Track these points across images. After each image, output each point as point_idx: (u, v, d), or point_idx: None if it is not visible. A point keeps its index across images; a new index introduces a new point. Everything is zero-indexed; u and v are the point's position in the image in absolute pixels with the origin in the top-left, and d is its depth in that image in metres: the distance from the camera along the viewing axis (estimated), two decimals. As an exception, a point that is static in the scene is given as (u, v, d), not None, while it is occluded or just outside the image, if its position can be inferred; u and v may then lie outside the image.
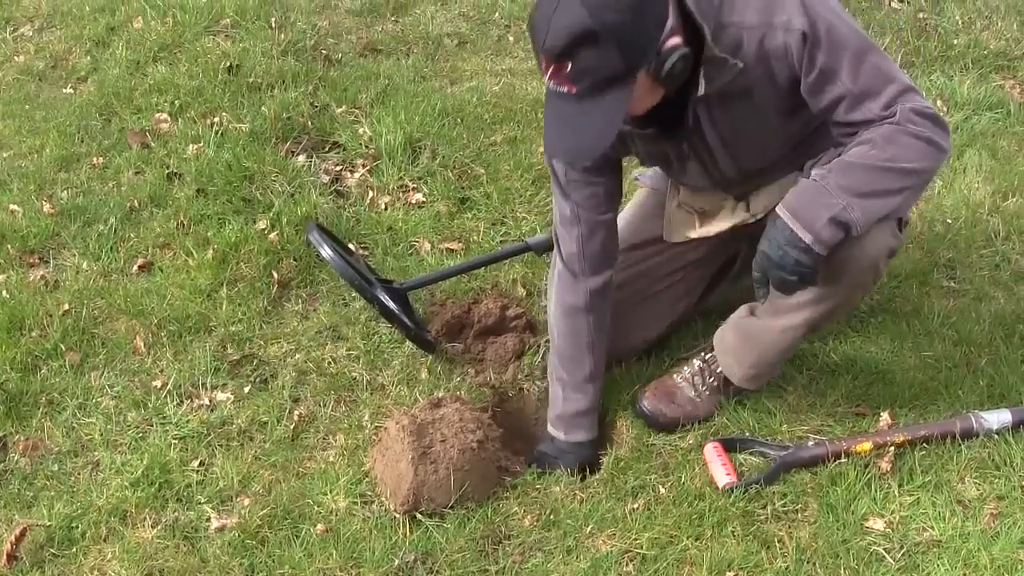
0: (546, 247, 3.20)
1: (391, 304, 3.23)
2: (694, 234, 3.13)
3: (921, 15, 5.36)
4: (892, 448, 2.88)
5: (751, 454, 2.96)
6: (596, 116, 2.40)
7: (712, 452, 2.91)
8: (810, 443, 2.92)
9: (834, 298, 2.75)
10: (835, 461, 2.87)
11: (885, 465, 2.85)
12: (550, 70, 2.35)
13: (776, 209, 2.55)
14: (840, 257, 2.58)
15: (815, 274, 2.54)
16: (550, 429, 3.10)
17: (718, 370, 3.07)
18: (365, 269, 3.42)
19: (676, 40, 2.41)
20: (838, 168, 2.51)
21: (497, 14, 5.51)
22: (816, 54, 2.46)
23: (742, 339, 3.00)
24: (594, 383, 3.06)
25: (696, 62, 2.48)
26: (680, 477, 2.90)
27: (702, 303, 3.34)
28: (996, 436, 2.93)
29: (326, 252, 3.24)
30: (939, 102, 4.58)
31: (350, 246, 3.66)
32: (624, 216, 3.29)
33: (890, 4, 5.49)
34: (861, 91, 2.49)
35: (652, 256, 3.24)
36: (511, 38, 5.29)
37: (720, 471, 2.85)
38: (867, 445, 2.88)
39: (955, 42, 5.08)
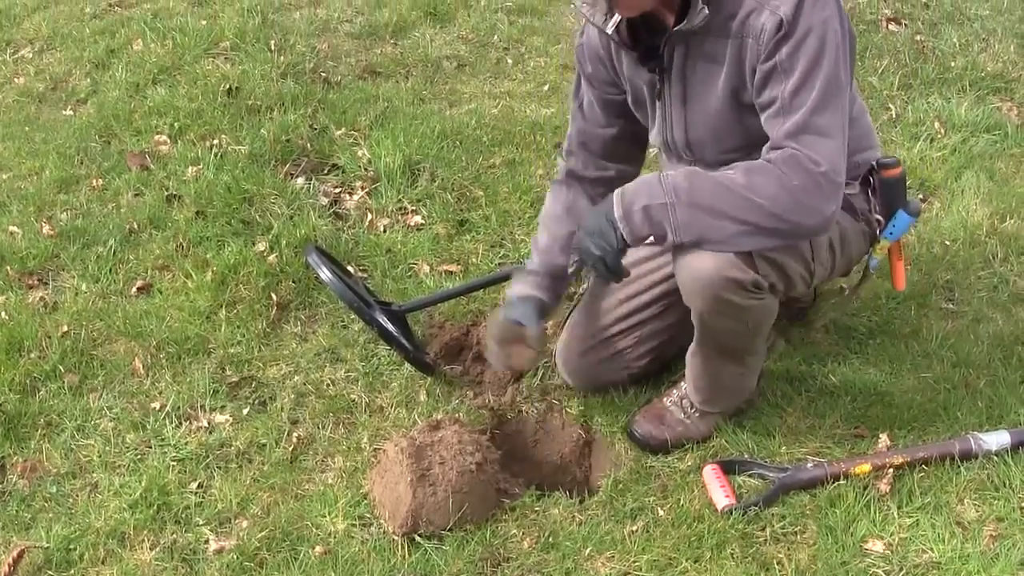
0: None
1: (390, 326, 3.23)
2: None
3: (919, 37, 5.38)
4: (891, 470, 2.87)
5: (750, 476, 2.95)
6: None
7: (711, 474, 2.90)
8: (809, 465, 2.92)
9: (699, 325, 2.79)
10: (834, 483, 2.86)
11: (884, 487, 2.84)
12: None
13: None
14: (680, 274, 2.64)
15: (615, 258, 2.58)
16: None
17: None
18: (364, 291, 3.42)
19: None
20: (687, 172, 2.54)
21: (496, 37, 5.53)
22: (781, 46, 2.47)
23: (687, 369, 3.05)
24: (547, 253, 3.12)
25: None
26: (679, 499, 2.89)
27: None
28: (995, 457, 2.92)
29: (325, 274, 3.24)
30: (937, 124, 4.59)
31: (349, 268, 3.66)
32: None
33: (888, 26, 5.51)
34: (788, 106, 2.48)
35: (632, 282, 3.23)
36: (510, 61, 5.30)
37: (719, 493, 2.85)
38: (866, 467, 2.88)
39: (953, 64, 5.10)
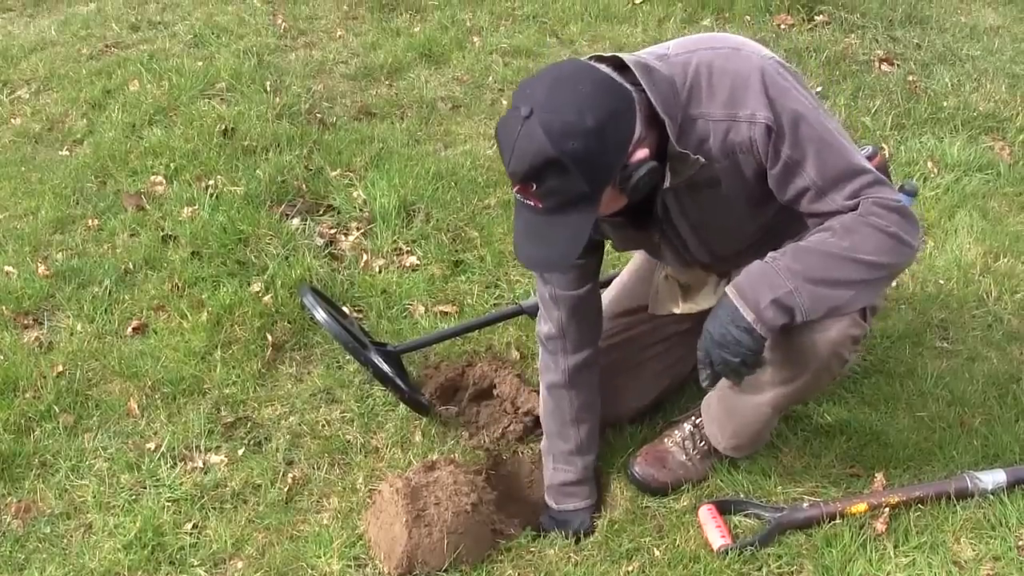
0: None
1: (385, 367, 3.23)
2: (677, 310, 3.12)
3: (911, 78, 5.42)
4: (887, 509, 2.87)
5: (746, 516, 2.95)
6: (564, 230, 2.40)
7: (707, 514, 2.90)
8: (805, 504, 2.92)
9: (798, 381, 2.72)
10: (830, 522, 2.86)
11: (880, 526, 2.84)
12: (517, 188, 2.36)
13: (725, 287, 2.54)
14: (798, 343, 2.59)
15: (756, 357, 2.50)
16: (545, 498, 3.09)
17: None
18: (359, 332, 3.42)
19: (643, 152, 2.40)
20: (792, 251, 2.48)
21: (491, 78, 5.56)
22: (781, 147, 2.44)
23: (724, 409, 2.98)
24: (582, 455, 3.05)
25: (663, 157, 2.46)
26: (675, 539, 2.88)
27: (696, 371, 3.34)
28: (991, 496, 2.92)
29: (320, 315, 3.24)
30: (930, 164, 4.62)
31: (344, 309, 3.67)
32: (619, 280, 3.31)
33: (880, 67, 5.55)
34: (826, 183, 2.46)
35: (642, 323, 3.24)
36: (504, 102, 5.33)
37: (715, 533, 2.84)
38: (862, 506, 2.87)
39: (945, 104, 5.14)
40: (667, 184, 2.49)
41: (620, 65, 2.43)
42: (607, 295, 3.30)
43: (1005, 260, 4.00)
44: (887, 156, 4.67)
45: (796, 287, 2.43)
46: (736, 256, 2.79)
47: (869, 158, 2.77)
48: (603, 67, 2.40)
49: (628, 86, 2.37)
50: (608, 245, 3.02)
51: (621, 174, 2.38)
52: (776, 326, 2.46)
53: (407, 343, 3.47)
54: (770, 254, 2.51)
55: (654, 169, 2.41)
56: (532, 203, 2.37)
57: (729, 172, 2.53)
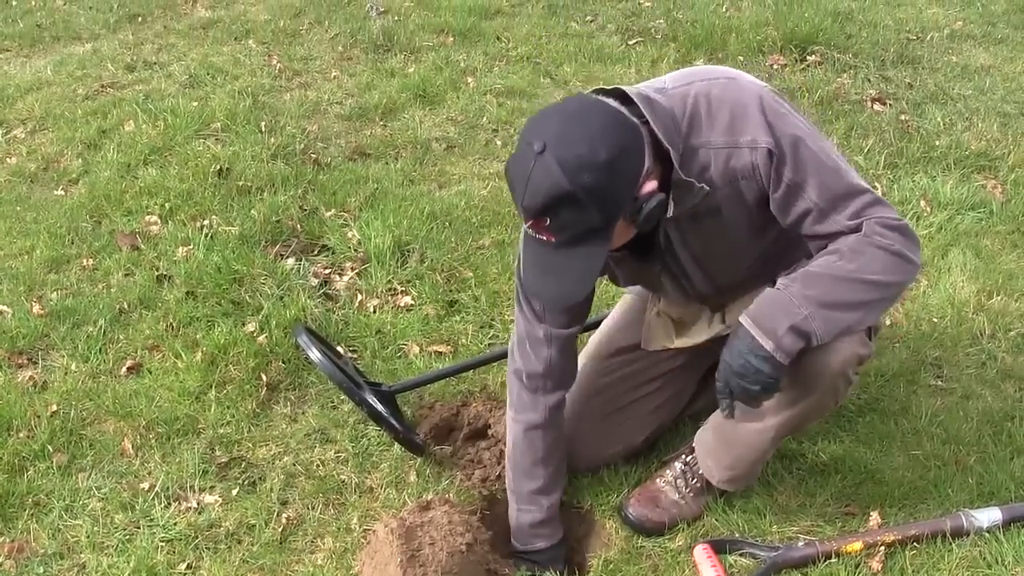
0: None
1: (379, 407, 3.22)
2: (671, 345, 3.13)
3: (903, 117, 5.45)
4: (883, 547, 2.87)
5: (741, 555, 2.94)
6: (576, 263, 2.42)
7: (702, 554, 2.89)
8: (800, 543, 2.91)
9: (804, 404, 2.72)
10: (826, 561, 2.85)
11: (876, 565, 2.83)
12: (530, 223, 2.38)
13: (739, 318, 2.55)
14: (807, 365, 2.59)
15: (777, 383, 2.51)
16: (512, 540, 3.09)
17: (700, 471, 3.07)
18: (353, 372, 3.42)
19: (652, 185, 2.42)
20: (802, 277, 2.50)
21: (485, 118, 5.58)
22: (782, 170, 2.47)
23: (720, 440, 2.99)
24: (548, 495, 3.03)
25: (667, 187, 2.48)
26: (670, 579, 2.88)
27: (690, 407, 3.34)
28: (987, 534, 2.92)
29: (314, 355, 3.24)
30: (923, 202, 4.63)
31: (339, 348, 3.67)
32: (611, 319, 3.32)
33: (873, 106, 5.58)
34: (827, 204, 2.48)
35: (635, 361, 3.24)
36: (499, 142, 5.35)
37: (710, 573, 2.83)
38: (857, 545, 2.87)
39: (937, 143, 5.16)
40: (670, 214, 2.50)
41: (623, 97, 2.46)
42: (598, 335, 3.31)
43: (998, 298, 4.01)
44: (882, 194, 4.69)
45: (811, 312, 2.45)
46: (736, 287, 2.83)
47: None
48: (609, 100, 2.43)
49: (634, 119, 2.40)
50: (604, 282, 3.02)
51: (632, 207, 2.40)
52: (795, 352, 2.48)
53: (402, 383, 3.48)
54: (780, 281, 2.53)
55: (663, 201, 2.43)
56: (545, 237, 2.39)
57: (730, 199, 2.55)
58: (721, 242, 2.68)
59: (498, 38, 6.70)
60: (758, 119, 2.46)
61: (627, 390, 3.21)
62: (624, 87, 2.47)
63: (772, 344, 2.46)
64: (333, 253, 4.34)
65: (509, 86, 5.95)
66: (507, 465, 3.09)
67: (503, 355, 3.47)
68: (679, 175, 2.45)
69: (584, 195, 2.28)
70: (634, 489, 3.16)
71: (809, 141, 2.48)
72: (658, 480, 3.13)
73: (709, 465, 3.03)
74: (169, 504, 3.21)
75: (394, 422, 3.23)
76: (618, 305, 3.36)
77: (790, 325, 2.45)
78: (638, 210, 2.41)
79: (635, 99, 2.43)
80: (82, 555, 3.06)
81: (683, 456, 3.13)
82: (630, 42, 6.57)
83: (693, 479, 3.08)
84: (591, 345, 3.30)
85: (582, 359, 3.18)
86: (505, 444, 3.13)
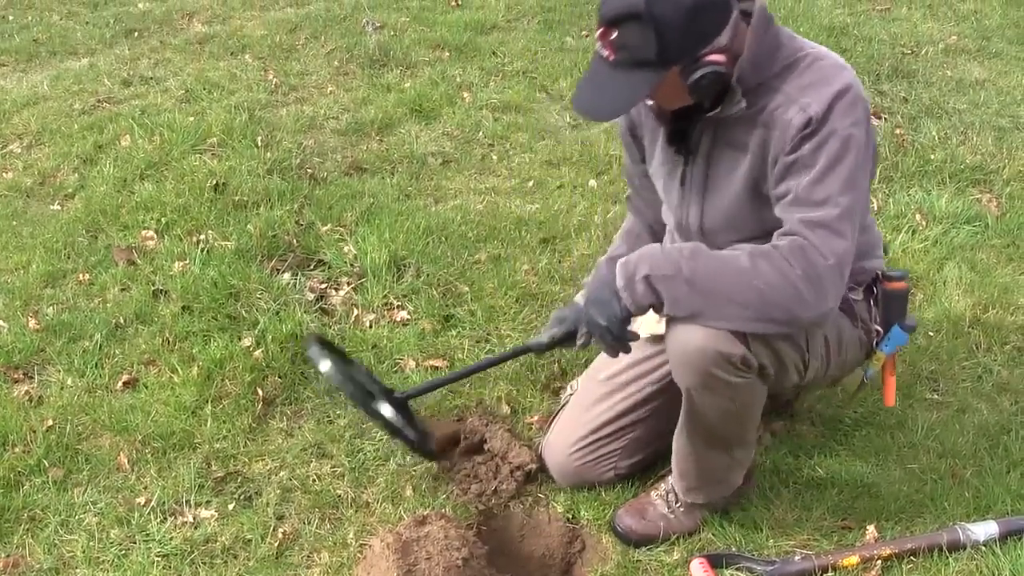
0: (544, 348, 3.17)
1: (391, 415, 3.21)
2: (659, 329, 3.12)
3: (899, 131, 5.46)
4: (879, 561, 2.87)
5: (737, 570, 2.94)
6: (621, 87, 2.52)
7: (698, 568, 2.89)
8: (797, 557, 2.91)
9: (687, 403, 2.78)
10: (822, 575, 2.85)
11: (873, 579, 2.84)
12: (600, 31, 2.50)
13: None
14: (670, 339, 2.65)
15: (620, 328, 2.61)
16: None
17: None
18: (368, 379, 3.39)
19: (719, 58, 2.51)
20: (694, 248, 2.56)
21: (481, 133, 5.59)
22: (805, 143, 2.51)
23: (675, 455, 3.03)
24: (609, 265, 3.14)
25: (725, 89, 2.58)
26: (667, 593, 2.88)
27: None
28: (983, 548, 2.92)
29: (325, 367, 3.21)
30: (918, 216, 4.64)
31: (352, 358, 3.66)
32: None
33: (867, 122, 5.59)
34: (803, 197, 2.51)
35: (627, 385, 3.24)
36: (495, 157, 5.35)
37: (707, 587, 2.84)
38: (854, 559, 2.87)
39: (932, 157, 5.17)
40: (709, 111, 2.63)
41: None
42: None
43: (994, 311, 4.02)
44: (877, 208, 4.71)
45: (673, 277, 2.52)
46: (711, 245, 2.78)
47: (895, 279, 2.90)
48: None
49: (737, 12, 2.55)
50: None
51: (691, 64, 2.50)
52: (643, 303, 2.58)
53: (414, 388, 3.44)
54: (681, 244, 2.62)
55: (720, 75, 2.52)
56: (606, 53, 2.52)
57: (756, 143, 2.63)
58: (727, 182, 2.74)
59: (494, 53, 6.71)
60: (828, 97, 2.52)
61: (616, 416, 3.21)
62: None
63: (623, 283, 2.57)
64: (329, 268, 4.34)
65: (505, 101, 5.96)
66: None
67: (515, 355, 3.42)
68: (733, 79, 2.56)
69: (652, 20, 2.41)
70: (627, 502, 3.17)
71: (844, 146, 2.51)
72: (651, 493, 3.15)
73: (674, 480, 3.08)
74: (165, 519, 3.20)
75: (408, 432, 3.21)
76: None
77: (646, 275, 2.55)
78: (695, 70, 2.50)
79: (757, 7, 2.56)
80: (78, 570, 3.05)
81: (676, 471, 3.14)
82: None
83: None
84: (590, 369, 3.36)
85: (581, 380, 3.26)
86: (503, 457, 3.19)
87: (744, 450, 2.98)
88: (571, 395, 3.37)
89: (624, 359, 3.17)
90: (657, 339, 3.04)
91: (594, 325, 2.64)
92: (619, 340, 2.65)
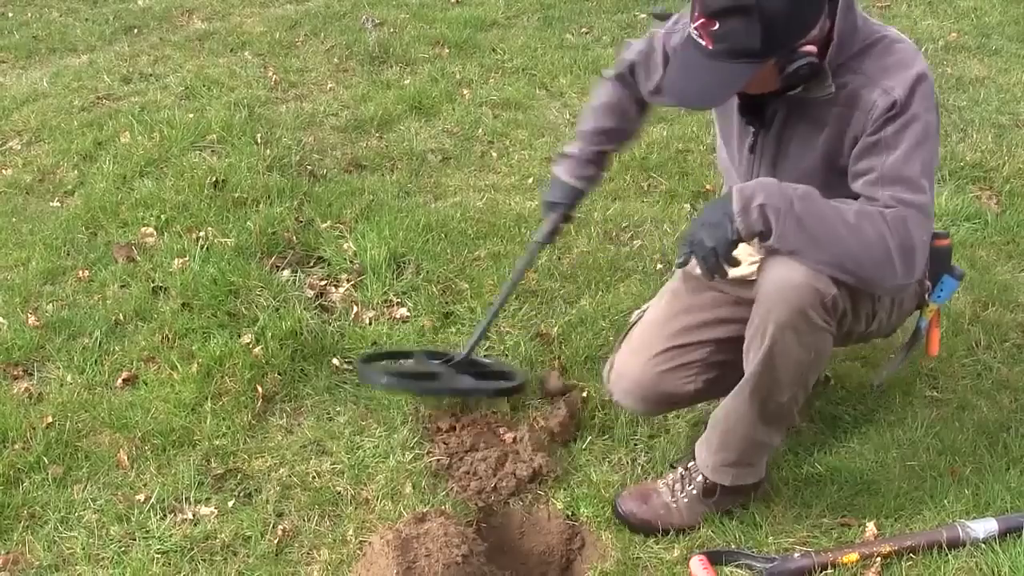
0: (547, 241, 3.40)
1: (460, 384, 3.32)
2: (748, 271, 3.05)
3: (898, 130, 5.45)
4: (879, 559, 2.87)
5: (737, 567, 2.94)
6: (717, 77, 2.55)
7: (698, 565, 2.89)
8: (796, 555, 2.91)
9: (765, 349, 2.70)
10: (822, 572, 2.86)
11: (872, 576, 2.84)
12: (700, 20, 2.51)
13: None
14: (767, 271, 2.67)
15: (727, 249, 2.61)
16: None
17: (698, 478, 3.07)
18: (426, 362, 3.42)
19: (812, 48, 2.56)
20: (808, 191, 2.60)
21: (480, 130, 5.59)
22: (888, 125, 2.58)
23: (711, 426, 3.02)
24: (594, 136, 3.36)
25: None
26: (667, 590, 2.88)
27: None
28: (983, 545, 2.92)
29: (387, 381, 3.26)
30: (918, 215, 4.64)
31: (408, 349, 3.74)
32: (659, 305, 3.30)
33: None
34: (888, 177, 2.58)
35: (703, 308, 3.21)
36: (494, 154, 5.35)
37: (707, 584, 2.84)
38: (854, 556, 2.87)
39: (932, 155, 5.16)
40: (788, 91, 2.67)
41: None
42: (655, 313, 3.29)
43: (994, 309, 4.02)
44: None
45: (786, 211, 2.54)
46: None
47: (941, 237, 3.01)
48: None
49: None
50: None
51: (787, 55, 2.54)
52: (754, 230, 2.58)
53: (469, 342, 3.42)
54: (794, 183, 2.63)
55: (815, 66, 2.56)
56: (704, 42, 2.53)
57: (835, 121, 2.68)
58: (799, 155, 2.80)
59: (494, 50, 6.71)
60: (910, 81, 2.59)
61: (700, 324, 3.17)
62: None
63: (739, 207, 2.57)
64: (329, 265, 4.34)
65: (505, 98, 5.96)
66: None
67: (532, 255, 3.47)
68: (824, 64, 2.59)
69: (761, 15, 2.44)
70: (631, 486, 3.19)
71: (925, 131, 2.59)
72: (658, 480, 3.17)
73: (703, 455, 3.05)
74: (165, 516, 3.20)
75: (483, 387, 3.26)
76: (664, 297, 3.33)
77: (762, 203, 2.55)
78: (791, 60, 2.54)
79: None
80: (78, 567, 3.05)
81: (686, 462, 3.15)
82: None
83: (689, 485, 3.08)
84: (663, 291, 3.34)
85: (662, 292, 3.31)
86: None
87: (781, 435, 3.04)
88: (640, 316, 3.32)
89: (702, 288, 3.19)
90: (741, 283, 3.05)
91: (700, 246, 2.63)
92: (723, 263, 2.65)
